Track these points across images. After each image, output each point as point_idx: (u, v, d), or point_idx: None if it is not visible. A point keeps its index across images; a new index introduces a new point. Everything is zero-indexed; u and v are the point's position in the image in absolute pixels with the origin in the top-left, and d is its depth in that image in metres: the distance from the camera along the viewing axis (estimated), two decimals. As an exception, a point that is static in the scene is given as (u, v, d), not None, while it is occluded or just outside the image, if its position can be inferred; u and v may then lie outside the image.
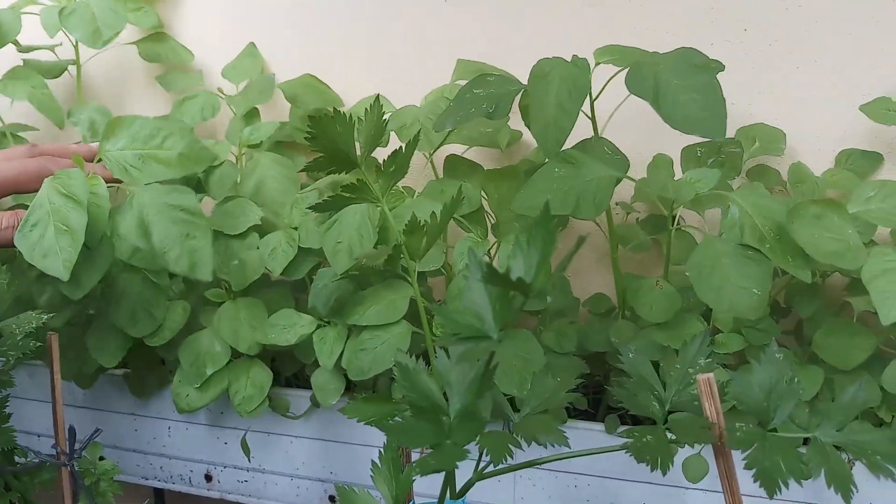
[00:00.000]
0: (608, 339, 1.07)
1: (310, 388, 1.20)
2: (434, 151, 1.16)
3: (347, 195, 0.69)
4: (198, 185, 1.22)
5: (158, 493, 1.42)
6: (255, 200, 1.17)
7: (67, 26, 1.25)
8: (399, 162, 0.71)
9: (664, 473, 0.67)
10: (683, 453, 1.03)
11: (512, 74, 1.11)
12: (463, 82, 1.22)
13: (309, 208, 0.81)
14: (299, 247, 1.10)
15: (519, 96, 1.03)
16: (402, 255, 0.68)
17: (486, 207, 1.14)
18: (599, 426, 1.10)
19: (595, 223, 1.20)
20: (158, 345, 1.11)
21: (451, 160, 1.20)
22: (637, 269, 1.20)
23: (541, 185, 0.96)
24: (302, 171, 0.73)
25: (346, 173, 0.70)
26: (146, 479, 1.35)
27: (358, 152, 0.75)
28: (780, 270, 0.95)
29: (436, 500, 0.74)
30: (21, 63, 1.37)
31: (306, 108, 1.30)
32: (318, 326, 1.09)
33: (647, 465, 0.67)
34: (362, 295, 1.06)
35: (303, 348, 1.13)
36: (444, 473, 0.79)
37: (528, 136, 1.24)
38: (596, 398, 1.19)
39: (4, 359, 0.83)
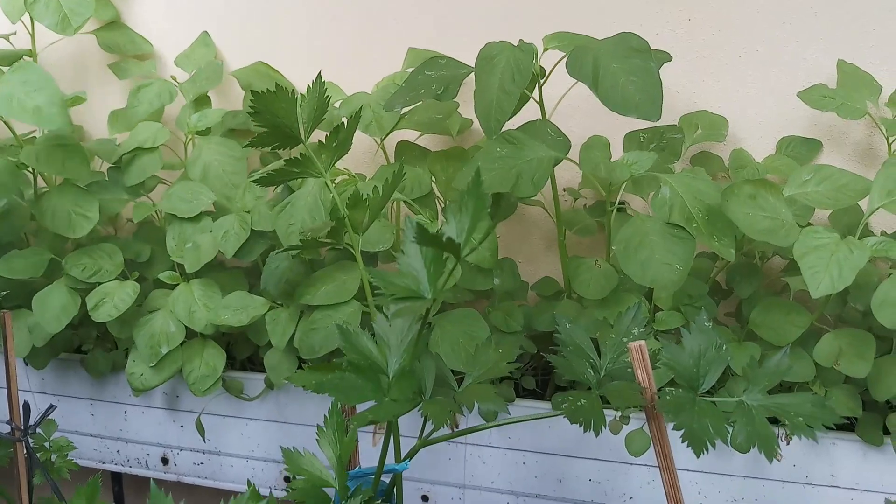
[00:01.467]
0: (552, 318, 1.10)
1: (264, 370, 1.22)
2: (385, 137, 1.18)
3: (291, 169, 0.71)
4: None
5: (116, 477, 1.42)
6: (204, 185, 1.18)
7: (33, 13, 1.25)
8: (342, 137, 0.73)
9: (597, 435, 0.70)
10: (627, 430, 1.06)
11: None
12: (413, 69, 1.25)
13: (252, 181, 0.83)
14: (252, 230, 1.12)
15: (469, 80, 1.06)
16: (345, 229, 0.70)
17: (437, 192, 1.17)
18: (546, 405, 1.13)
19: (544, 209, 1.23)
20: (106, 321, 1.11)
21: (402, 146, 1.22)
22: (585, 253, 1.23)
23: (483, 164, 0.98)
24: (246, 146, 0.75)
25: (289, 150, 0.72)
26: (103, 462, 1.35)
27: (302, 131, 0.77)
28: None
29: (365, 470, 0.76)
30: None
31: (261, 96, 1.31)
32: (271, 308, 1.11)
33: (581, 426, 0.70)
34: (314, 276, 1.08)
35: (256, 330, 1.15)
36: (391, 446, 0.81)
37: (478, 123, 1.27)
38: (544, 379, 1.22)
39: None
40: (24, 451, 0.92)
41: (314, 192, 1.07)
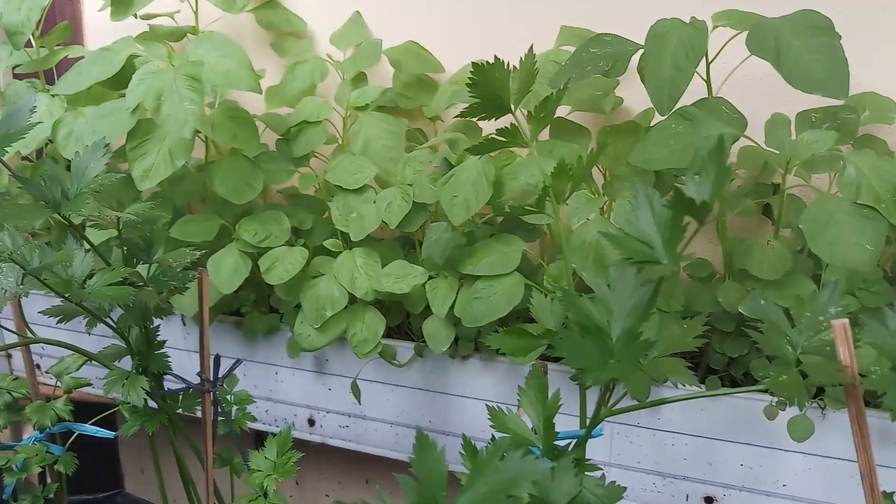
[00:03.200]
0: (713, 300, 1.10)
1: (412, 339, 1.26)
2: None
3: (501, 139, 0.73)
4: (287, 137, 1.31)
5: (259, 436, 1.49)
6: (365, 158, 1.23)
7: (201, -9, 1.32)
8: (549, 108, 0.75)
9: (801, 409, 0.70)
10: (786, 415, 1.06)
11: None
12: (568, 47, 1.26)
13: (467, 150, 0.86)
14: (413, 202, 1.15)
15: (636, 57, 1.07)
16: (547, 198, 0.73)
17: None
18: (700, 387, 1.13)
19: (695, 189, 1.22)
20: (277, 283, 1.17)
21: (558, 123, 1.23)
22: (738, 235, 1.22)
23: (658, 140, 0.99)
24: (457, 117, 0.78)
25: (495, 119, 0.74)
26: (250, 422, 1.41)
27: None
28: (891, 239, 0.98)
29: (569, 433, 0.78)
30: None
31: (409, 74, 1.35)
32: (430, 277, 1.14)
33: (785, 401, 0.70)
34: (474, 247, 1.11)
35: (411, 298, 1.19)
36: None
37: (629, 101, 1.27)
38: (695, 362, 1.22)
39: (163, 287, 0.89)
40: (213, 401, 0.98)
41: (477, 165, 1.10)
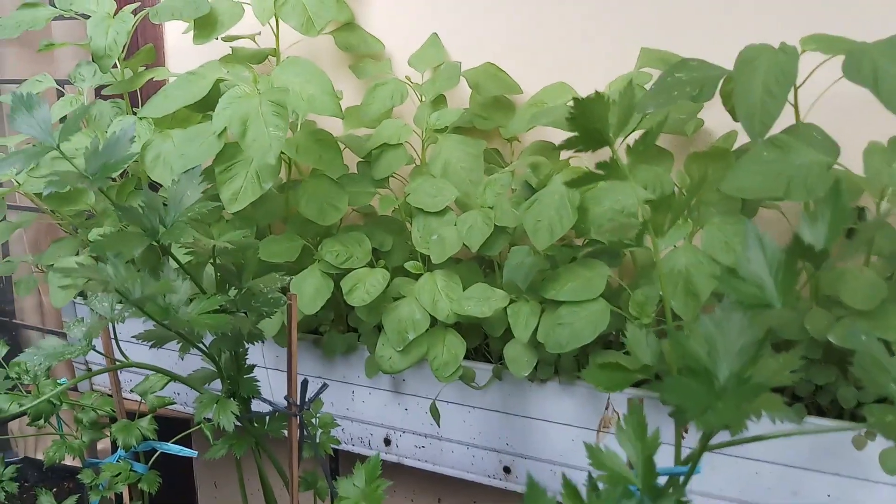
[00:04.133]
0: (800, 327, 1.07)
1: (490, 361, 1.26)
2: (626, 137, 1.18)
3: (599, 172, 0.73)
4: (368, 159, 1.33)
5: (334, 454, 1.51)
6: (445, 180, 1.23)
7: (281, 15, 1.34)
8: (647, 142, 0.75)
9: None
10: (875, 444, 1.03)
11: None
12: (649, 70, 1.25)
13: (566, 184, 0.86)
14: (494, 225, 1.16)
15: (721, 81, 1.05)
16: (647, 231, 0.72)
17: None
18: (795, 420, 1.11)
19: (779, 210, 1.20)
20: (359, 305, 1.18)
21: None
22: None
23: (749, 168, 0.98)
24: (557, 149, 0.78)
25: (592, 151, 0.74)
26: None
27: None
28: None
29: (668, 469, 0.77)
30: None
31: (487, 95, 1.35)
32: (511, 301, 1.15)
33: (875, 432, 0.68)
34: (557, 272, 1.11)
35: (491, 321, 1.19)
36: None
37: (710, 123, 1.25)
38: (778, 387, 1.19)
39: (254, 313, 0.91)
40: (298, 425, 0.99)
41: (560, 189, 1.10)
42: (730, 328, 0.62)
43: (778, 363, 0.80)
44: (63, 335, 1.99)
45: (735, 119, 1.06)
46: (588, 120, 0.70)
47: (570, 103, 0.70)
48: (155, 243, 0.89)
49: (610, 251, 1.11)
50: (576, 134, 0.71)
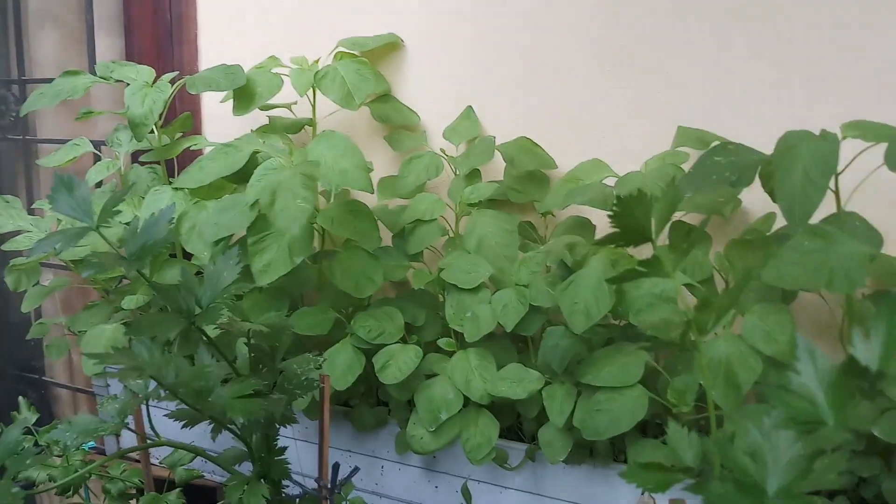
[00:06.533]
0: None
1: (523, 440, 1.23)
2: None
3: (641, 269, 0.72)
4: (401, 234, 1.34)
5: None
6: (480, 256, 1.23)
7: (320, 87, 1.36)
8: (691, 240, 0.74)
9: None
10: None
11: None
12: (685, 149, 1.25)
13: (608, 281, 0.86)
14: (530, 304, 1.15)
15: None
16: (690, 329, 0.71)
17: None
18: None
19: (820, 296, 1.18)
20: (392, 382, 1.17)
21: (676, 226, 1.21)
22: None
23: (791, 258, 0.96)
24: (596, 243, 0.78)
25: (633, 246, 0.74)
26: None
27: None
28: None
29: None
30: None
31: (521, 169, 1.35)
32: (546, 383, 1.13)
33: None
34: (594, 356, 1.09)
35: (524, 402, 1.17)
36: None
37: (747, 203, 1.24)
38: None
39: (288, 395, 0.91)
40: (328, 509, 0.98)
41: (597, 272, 1.08)
42: (779, 441, 0.60)
43: (824, 465, 0.77)
44: (92, 394, 2.00)
45: (774, 200, 1.05)
46: (630, 217, 0.69)
47: (613, 201, 0.70)
48: (191, 325, 0.88)
49: (646, 335, 1.09)
50: (617, 230, 0.71)
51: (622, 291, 1.05)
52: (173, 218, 0.90)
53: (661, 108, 1.31)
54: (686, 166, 1.20)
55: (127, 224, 1.31)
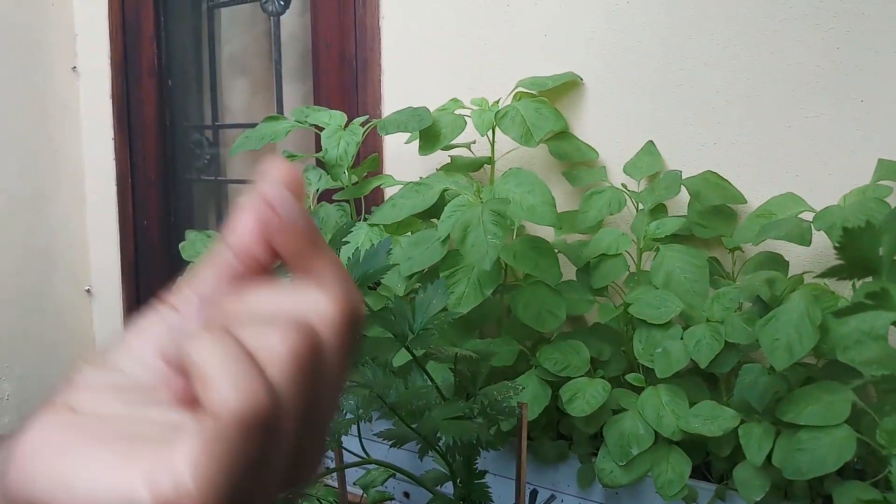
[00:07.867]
0: None
1: (708, 479, 1.20)
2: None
3: (867, 302, 0.70)
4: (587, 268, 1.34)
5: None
6: (668, 291, 1.22)
7: (501, 127, 1.42)
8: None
9: None
10: None
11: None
12: (887, 182, 1.20)
13: (834, 314, 0.85)
14: (725, 341, 1.13)
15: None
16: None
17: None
18: None
19: None
20: (580, 416, 1.18)
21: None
22: None
23: None
24: (821, 276, 0.76)
25: (857, 279, 0.72)
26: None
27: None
28: None
29: None
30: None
31: (707, 204, 1.34)
32: (742, 421, 1.10)
33: None
34: (796, 394, 1.06)
35: (717, 440, 1.15)
36: None
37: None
38: None
39: (491, 421, 0.94)
40: (526, 535, 0.99)
41: (800, 307, 1.06)
42: None
43: None
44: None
45: None
46: (857, 249, 0.68)
47: (839, 235, 0.69)
48: (406, 348, 0.93)
49: (851, 372, 1.05)
50: (841, 262, 0.69)
51: (827, 328, 1.02)
52: (391, 249, 0.96)
53: (859, 141, 1.27)
54: (890, 200, 1.16)
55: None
